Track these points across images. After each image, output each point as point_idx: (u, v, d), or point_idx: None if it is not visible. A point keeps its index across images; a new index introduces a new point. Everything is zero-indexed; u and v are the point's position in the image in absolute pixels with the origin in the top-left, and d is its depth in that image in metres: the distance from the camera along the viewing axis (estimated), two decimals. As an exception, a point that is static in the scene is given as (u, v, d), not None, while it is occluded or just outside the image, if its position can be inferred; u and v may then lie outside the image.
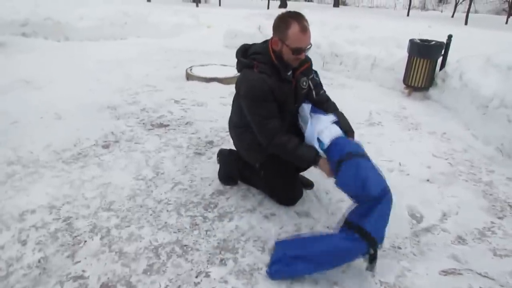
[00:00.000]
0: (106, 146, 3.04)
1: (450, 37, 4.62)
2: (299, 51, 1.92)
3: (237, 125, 2.29)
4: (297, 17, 1.90)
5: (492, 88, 3.61)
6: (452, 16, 15.70)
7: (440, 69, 4.70)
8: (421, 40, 4.70)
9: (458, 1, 17.01)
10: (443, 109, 4.35)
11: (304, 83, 2.15)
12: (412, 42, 4.69)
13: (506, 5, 25.24)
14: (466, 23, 11.63)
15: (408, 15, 14.35)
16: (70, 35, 7.29)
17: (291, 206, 2.32)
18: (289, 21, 1.89)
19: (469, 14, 12.26)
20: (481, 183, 2.79)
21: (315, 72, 2.27)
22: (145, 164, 2.78)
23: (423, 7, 31.76)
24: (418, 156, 3.16)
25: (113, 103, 3.98)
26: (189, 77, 5.02)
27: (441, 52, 4.62)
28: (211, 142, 3.15)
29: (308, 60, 2.15)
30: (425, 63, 4.57)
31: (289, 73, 2.06)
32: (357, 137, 3.41)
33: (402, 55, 4.99)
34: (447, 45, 4.61)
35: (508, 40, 6.93)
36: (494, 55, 3.99)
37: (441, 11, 29.15)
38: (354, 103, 4.35)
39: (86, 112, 3.69)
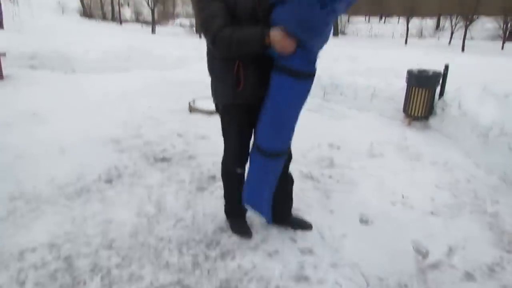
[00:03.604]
0: (109, 181, 3.04)
1: (446, 67, 4.69)
2: None
3: (209, 51, 2.08)
4: None
5: (490, 116, 3.64)
6: (449, 43, 16.00)
7: (439, 98, 4.75)
8: (419, 70, 4.77)
9: (454, 29, 17.37)
10: (444, 138, 4.36)
11: None
12: (410, 72, 4.76)
13: (501, 31, 25.81)
14: (463, 49, 11.87)
15: (406, 43, 14.64)
16: (77, 67, 7.46)
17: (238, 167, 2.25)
18: None
19: (466, 40, 12.51)
20: (486, 215, 2.77)
21: None
22: (147, 199, 2.78)
23: (420, 35, 32.46)
24: (421, 187, 3.15)
25: (117, 137, 4.01)
26: (192, 109, 5.08)
27: (439, 81, 4.69)
28: (213, 177, 3.15)
29: None
30: (423, 93, 4.62)
31: None
32: (359, 169, 3.45)
33: (401, 85, 5.06)
34: (444, 75, 4.68)
35: (504, 67, 7.03)
36: (491, 84, 4.05)
37: (438, 38, 29.78)
38: (355, 134, 4.38)
39: (90, 146, 3.72)
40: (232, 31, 1.78)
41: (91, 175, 3.11)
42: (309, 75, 1.88)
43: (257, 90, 1.95)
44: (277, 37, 1.72)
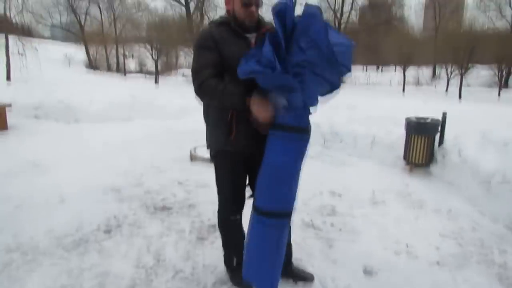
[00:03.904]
0: (107, 231, 3.00)
1: (444, 114, 4.78)
2: (247, 3, 1.88)
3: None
4: None
5: (491, 164, 3.66)
6: (446, 91, 16.38)
7: (439, 146, 4.79)
8: (417, 118, 4.85)
9: (450, 77, 17.86)
10: (446, 185, 4.34)
11: None
12: (408, 120, 4.84)
13: (496, 78, 26.50)
14: (460, 97, 12.12)
15: (403, 91, 14.99)
16: (80, 117, 7.62)
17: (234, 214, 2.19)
18: None
19: (462, 87, 12.83)
20: (494, 265, 2.69)
21: None
22: (146, 250, 2.72)
23: (417, 83, 33.31)
24: (425, 236, 3.09)
25: (117, 186, 4.01)
26: (193, 157, 5.11)
27: (438, 128, 4.75)
28: (214, 226, 3.11)
29: (270, 24, 1.98)
30: (423, 140, 4.67)
31: (250, 35, 1.96)
32: (361, 217, 3.41)
33: (400, 133, 5.12)
34: (442, 122, 4.75)
35: (502, 115, 7.14)
36: (490, 131, 4.10)
37: (435, 86, 30.51)
38: (356, 182, 4.37)
39: (90, 195, 3.71)
40: (217, 83, 1.85)
41: (90, 225, 3.08)
42: (300, 130, 1.85)
43: (249, 141, 1.97)
44: (254, 105, 1.79)
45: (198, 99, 1.99)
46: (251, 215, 1.98)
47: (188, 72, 32.67)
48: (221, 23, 1.96)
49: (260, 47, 1.72)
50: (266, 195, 1.89)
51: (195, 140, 6.11)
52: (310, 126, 1.90)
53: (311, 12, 1.74)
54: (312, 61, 1.70)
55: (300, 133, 1.85)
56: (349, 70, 1.79)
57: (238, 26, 1.92)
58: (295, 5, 1.83)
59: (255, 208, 1.94)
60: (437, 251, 2.85)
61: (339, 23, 32.00)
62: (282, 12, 1.76)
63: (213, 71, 1.88)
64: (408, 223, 3.34)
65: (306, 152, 1.91)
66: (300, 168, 1.91)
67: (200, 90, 1.90)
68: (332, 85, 1.84)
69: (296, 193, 1.94)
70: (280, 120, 1.81)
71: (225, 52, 1.89)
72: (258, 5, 1.92)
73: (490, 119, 6.30)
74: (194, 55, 1.98)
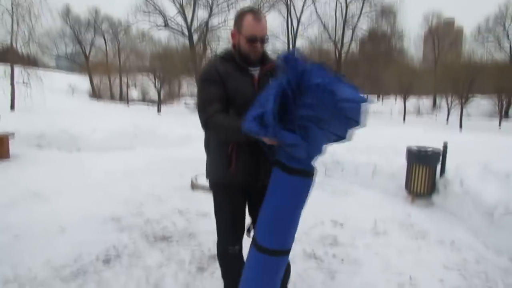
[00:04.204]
0: (107, 262, 2.96)
1: (445, 144, 4.79)
2: (253, 39, 1.92)
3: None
4: (252, 9, 1.98)
5: (494, 195, 3.64)
6: (447, 121, 16.47)
7: (440, 175, 4.78)
8: (418, 147, 4.87)
9: (450, 107, 18.01)
10: (449, 216, 4.30)
11: None
12: (409, 149, 4.86)
13: (496, 109, 26.71)
14: (460, 127, 12.18)
15: (404, 120, 15.08)
16: (82, 146, 7.66)
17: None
18: (244, 13, 1.96)
19: (463, 117, 12.91)
20: (499, 299, 2.63)
21: None
22: (145, 281, 2.68)
23: (418, 113, 33.59)
24: (428, 268, 3.04)
25: (117, 215, 3.99)
26: (194, 186, 5.11)
27: (439, 158, 4.76)
28: (214, 256, 3.07)
29: (274, 61, 2.06)
30: (424, 170, 4.67)
31: (254, 69, 2.01)
32: (363, 248, 3.37)
33: (402, 162, 5.12)
34: (443, 152, 4.76)
35: (503, 145, 7.16)
36: (491, 162, 4.10)
37: (436, 116, 30.74)
38: (358, 211, 4.34)
39: (90, 225, 3.69)
40: (223, 119, 1.88)
41: (89, 255, 3.05)
42: (304, 173, 1.82)
43: (248, 174, 1.99)
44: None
45: (207, 133, 2.03)
46: (250, 246, 1.97)
47: (190, 100, 33.18)
48: (226, 58, 2.02)
49: (268, 91, 1.72)
50: (266, 234, 1.89)
51: (196, 168, 6.11)
52: (315, 169, 1.87)
53: (319, 67, 1.71)
54: (317, 116, 1.67)
55: (304, 176, 1.83)
56: (359, 124, 1.74)
57: (242, 60, 1.98)
58: (301, 57, 1.77)
59: (255, 242, 1.93)
60: (441, 284, 2.80)
61: (340, 54, 32.63)
62: (292, 62, 1.73)
63: (218, 105, 1.91)
64: (411, 254, 3.29)
65: (310, 193, 1.89)
66: (302, 210, 1.90)
67: (207, 125, 1.94)
68: (340, 137, 1.81)
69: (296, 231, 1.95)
70: (284, 161, 1.79)
71: (229, 86, 1.93)
72: (263, 41, 1.98)
73: (491, 150, 6.31)
74: (199, 89, 2.02)
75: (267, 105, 1.65)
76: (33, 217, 3.80)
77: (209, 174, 2.18)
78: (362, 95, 1.72)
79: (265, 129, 1.65)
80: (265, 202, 1.88)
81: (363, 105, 1.70)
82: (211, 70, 1.96)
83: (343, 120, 1.69)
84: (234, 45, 2.03)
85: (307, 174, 1.83)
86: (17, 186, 4.84)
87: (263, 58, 2.04)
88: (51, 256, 2.98)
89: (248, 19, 1.92)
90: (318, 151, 1.81)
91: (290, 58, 1.74)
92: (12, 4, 13.95)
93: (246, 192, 2.11)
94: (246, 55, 1.98)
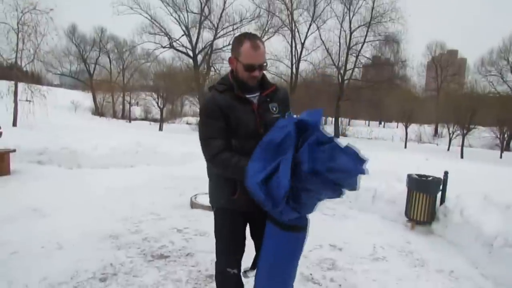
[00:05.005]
0: (103, 280, 2.94)
1: (446, 173, 4.79)
2: (251, 67, 1.93)
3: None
4: (250, 36, 1.96)
5: (494, 226, 3.63)
6: (448, 149, 16.50)
7: (440, 204, 4.77)
8: (419, 175, 4.88)
9: (452, 136, 18.08)
10: (448, 245, 4.27)
11: (274, 109, 2.04)
12: (410, 177, 4.86)
13: (498, 141, 26.73)
14: (461, 156, 12.19)
15: (405, 147, 15.12)
16: (83, 163, 7.64)
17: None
18: (242, 39, 1.95)
19: (464, 147, 12.93)
20: (499, 331, 2.60)
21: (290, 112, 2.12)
22: (141, 300, 2.66)
23: (419, 140, 33.65)
24: (427, 297, 3.01)
25: (115, 232, 3.98)
26: (194, 205, 5.11)
27: (440, 187, 4.75)
28: (211, 276, 3.05)
29: (273, 84, 2.10)
30: (424, 198, 4.66)
31: (253, 95, 2.02)
32: (361, 273, 3.34)
33: (402, 188, 5.12)
34: (444, 181, 4.76)
35: (504, 176, 7.16)
36: (492, 193, 4.10)
37: (437, 144, 30.77)
38: (357, 236, 4.32)
39: (88, 242, 3.67)
40: (230, 158, 1.88)
41: (85, 272, 3.03)
42: (297, 228, 1.85)
43: (252, 202, 1.91)
44: None
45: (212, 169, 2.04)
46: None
47: (192, 120, 33.34)
48: (222, 89, 2.01)
49: (274, 133, 1.75)
50: (264, 282, 1.95)
51: (196, 186, 6.13)
52: (308, 221, 1.90)
53: (320, 140, 1.66)
54: (313, 189, 1.68)
55: (297, 231, 1.86)
56: (354, 189, 1.71)
57: (240, 87, 1.98)
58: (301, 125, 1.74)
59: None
60: (440, 313, 2.77)
61: (342, 79, 32.98)
62: (302, 125, 1.72)
63: (222, 142, 1.92)
64: (410, 282, 3.26)
65: (304, 244, 1.93)
66: (298, 259, 1.95)
67: (213, 163, 1.95)
68: (332, 197, 1.79)
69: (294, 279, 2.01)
70: (277, 217, 1.79)
71: (232, 117, 1.94)
72: (261, 68, 1.99)
73: (492, 180, 6.30)
74: (201, 123, 2.02)
75: (280, 190, 1.61)
76: (31, 233, 3.78)
77: (211, 198, 2.20)
78: (359, 161, 1.69)
79: (270, 200, 1.66)
80: (261, 258, 1.93)
81: (359, 175, 1.68)
82: (211, 104, 1.96)
83: (338, 190, 1.70)
84: (232, 71, 2.05)
85: (300, 228, 1.87)
86: (16, 202, 4.80)
87: (263, 82, 2.06)
88: (47, 273, 2.96)
89: (246, 46, 1.92)
90: (310, 211, 1.83)
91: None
92: (18, 23, 14.17)
93: (248, 216, 2.12)
94: (244, 82, 1.99)
